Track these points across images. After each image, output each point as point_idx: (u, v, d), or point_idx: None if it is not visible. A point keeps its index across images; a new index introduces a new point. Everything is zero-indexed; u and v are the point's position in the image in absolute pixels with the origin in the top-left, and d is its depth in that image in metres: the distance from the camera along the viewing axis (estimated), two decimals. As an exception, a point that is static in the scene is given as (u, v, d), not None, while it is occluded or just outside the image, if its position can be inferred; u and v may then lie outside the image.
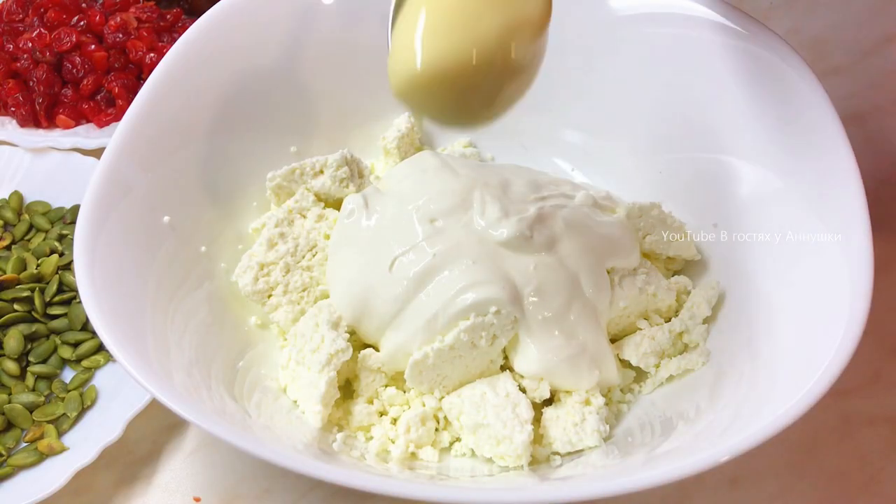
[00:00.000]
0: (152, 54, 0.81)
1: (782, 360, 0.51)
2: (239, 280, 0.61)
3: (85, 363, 0.65)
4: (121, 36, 0.82)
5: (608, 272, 0.59)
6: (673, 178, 0.65)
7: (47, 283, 0.68)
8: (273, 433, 0.53)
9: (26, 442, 0.62)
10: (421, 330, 0.55)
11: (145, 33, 0.83)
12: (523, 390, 0.56)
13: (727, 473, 0.60)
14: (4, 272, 0.69)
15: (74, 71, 0.81)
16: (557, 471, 0.54)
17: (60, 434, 0.62)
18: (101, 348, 0.66)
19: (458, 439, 0.57)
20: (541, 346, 0.55)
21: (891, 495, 0.59)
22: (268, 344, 0.62)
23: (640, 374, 0.60)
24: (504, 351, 0.57)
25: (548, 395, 0.56)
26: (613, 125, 0.68)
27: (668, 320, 0.61)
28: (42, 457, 0.61)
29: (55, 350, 0.66)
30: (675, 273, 0.64)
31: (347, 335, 0.57)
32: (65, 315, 0.67)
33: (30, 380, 0.65)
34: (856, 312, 0.48)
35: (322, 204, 0.65)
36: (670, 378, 0.58)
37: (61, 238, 0.72)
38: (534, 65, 0.47)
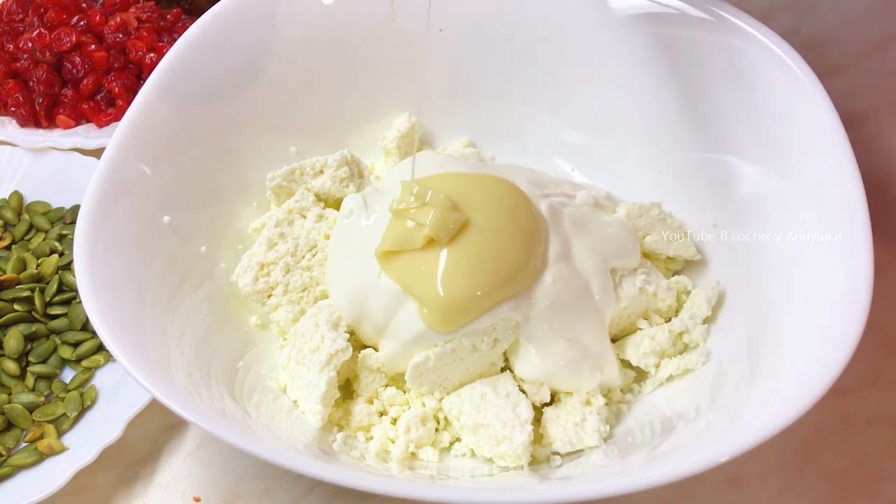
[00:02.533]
0: (152, 54, 0.81)
1: (782, 360, 0.51)
2: (239, 280, 0.61)
3: (85, 363, 0.65)
4: (121, 36, 0.82)
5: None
6: (673, 178, 0.65)
7: (47, 283, 0.68)
8: (273, 433, 0.53)
9: (26, 442, 0.62)
10: (416, 339, 0.55)
11: (145, 33, 0.83)
12: (524, 391, 0.56)
13: (727, 473, 0.60)
14: (4, 272, 0.69)
15: (74, 71, 0.81)
16: (557, 471, 0.54)
17: (60, 434, 0.62)
18: (101, 348, 0.66)
19: (458, 439, 0.57)
20: (542, 351, 0.55)
21: (891, 495, 0.59)
22: (268, 344, 0.62)
23: (640, 374, 0.59)
24: (505, 353, 0.57)
25: (548, 399, 0.56)
26: (613, 125, 0.68)
27: (668, 320, 0.61)
28: (42, 457, 0.61)
29: (55, 350, 0.66)
30: (675, 273, 0.64)
31: (347, 335, 0.57)
32: (65, 315, 0.67)
33: (30, 380, 0.65)
34: (856, 312, 0.48)
35: (322, 204, 0.65)
36: (670, 378, 0.58)
37: (61, 238, 0.72)
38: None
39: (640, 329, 0.60)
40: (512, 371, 0.57)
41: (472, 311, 0.54)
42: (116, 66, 0.82)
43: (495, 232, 0.55)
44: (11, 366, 0.65)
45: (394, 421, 0.57)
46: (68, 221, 0.73)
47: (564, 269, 0.56)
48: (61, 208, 0.75)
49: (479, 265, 0.54)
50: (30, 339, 0.66)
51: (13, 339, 0.66)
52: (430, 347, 0.55)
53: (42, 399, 0.64)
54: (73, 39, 0.81)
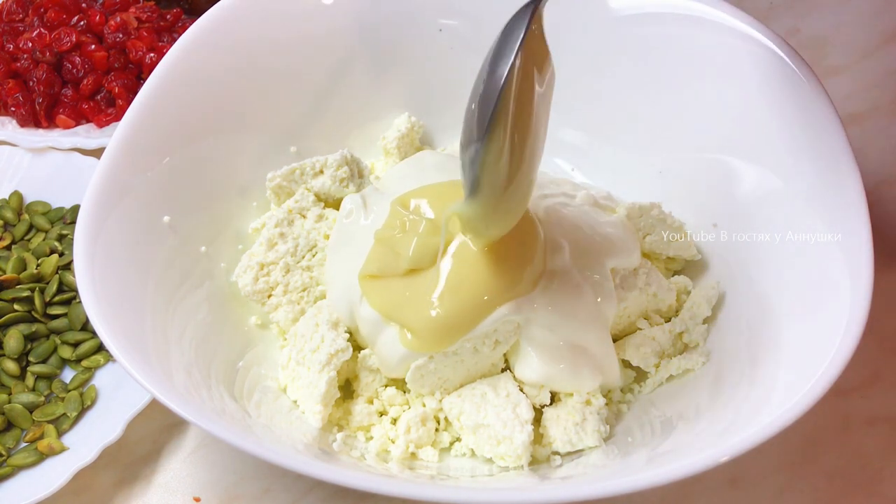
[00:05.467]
0: (152, 54, 0.81)
1: (782, 360, 0.51)
2: (239, 280, 0.61)
3: (85, 363, 0.65)
4: (121, 36, 0.82)
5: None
6: (673, 178, 0.65)
7: (47, 283, 0.68)
8: (273, 433, 0.53)
9: (26, 442, 0.62)
10: (401, 361, 0.55)
11: (145, 33, 0.83)
12: (524, 392, 0.56)
13: (727, 473, 0.60)
14: (4, 272, 0.69)
15: (74, 71, 0.81)
16: (557, 470, 0.54)
17: (60, 434, 0.62)
18: (101, 348, 0.66)
19: (458, 439, 0.57)
20: (542, 354, 0.55)
21: (891, 495, 0.59)
22: (268, 344, 0.62)
23: (640, 374, 0.59)
24: (505, 354, 0.57)
25: (548, 402, 0.56)
26: (613, 125, 0.68)
27: (668, 320, 0.61)
28: (42, 457, 0.61)
29: (55, 350, 0.66)
30: (675, 273, 0.64)
31: (347, 335, 0.57)
32: (65, 315, 0.67)
33: (30, 380, 0.65)
34: (856, 312, 0.48)
35: (322, 204, 0.65)
36: (670, 378, 0.58)
37: (61, 238, 0.72)
38: None
39: (640, 329, 0.59)
40: (512, 371, 0.57)
41: (460, 331, 0.54)
42: (116, 66, 0.82)
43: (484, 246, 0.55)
44: (11, 366, 0.65)
45: (394, 421, 0.57)
46: (68, 221, 0.73)
47: (565, 272, 0.56)
48: (61, 208, 0.75)
49: (465, 284, 0.54)
50: (30, 339, 0.66)
51: (13, 339, 0.65)
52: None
53: (42, 399, 0.64)
54: (73, 39, 0.81)
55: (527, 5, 0.44)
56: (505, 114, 0.45)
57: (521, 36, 0.44)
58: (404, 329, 0.55)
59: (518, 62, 0.44)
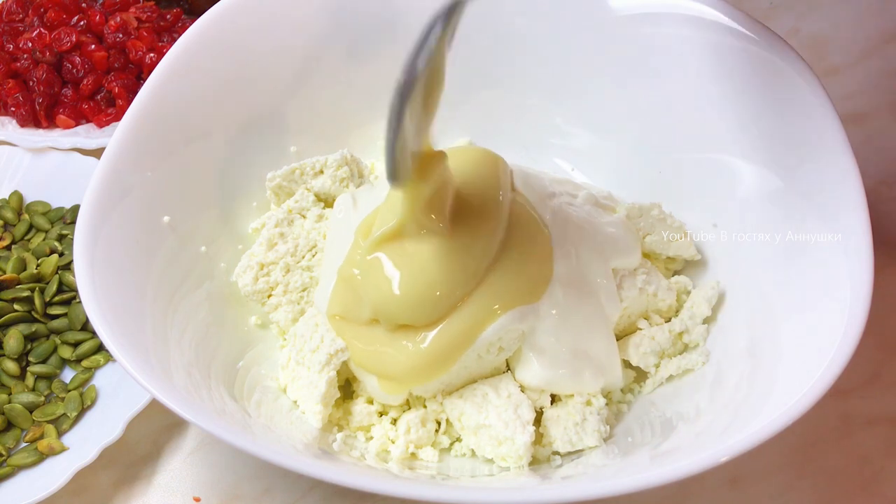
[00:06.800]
0: (152, 54, 0.81)
1: (782, 360, 0.51)
2: (239, 280, 0.61)
3: (85, 363, 0.65)
4: (121, 36, 0.82)
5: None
6: (673, 178, 0.65)
7: (47, 283, 0.68)
8: (273, 433, 0.53)
9: (26, 442, 0.62)
10: (392, 401, 0.55)
11: (145, 33, 0.83)
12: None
13: (727, 473, 0.60)
14: (4, 272, 0.69)
15: (74, 71, 0.81)
16: (558, 471, 0.54)
17: (60, 434, 0.62)
18: (101, 348, 0.66)
19: (459, 439, 0.57)
20: (544, 360, 0.55)
21: (891, 495, 0.59)
22: (268, 344, 0.62)
23: (640, 374, 0.59)
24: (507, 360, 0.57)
25: (549, 405, 0.56)
26: (613, 125, 0.68)
27: (668, 320, 0.61)
28: (42, 457, 0.61)
29: (55, 350, 0.66)
30: (675, 273, 0.64)
31: (347, 335, 0.57)
32: (65, 315, 0.67)
33: (30, 380, 0.65)
34: (856, 312, 0.48)
35: (322, 204, 0.65)
36: (670, 378, 0.58)
37: (61, 238, 0.72)
38: None
39: (640, 329, 0.59)
40: (513, 374, 0.57)
41: (453, 357, 0.53)
42: (116, 66, 0.82)
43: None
44: (11, 366, 0.65)
45: (394, 421, 0.57)
46: (68, 221, 0.73)
47: (571, 277, 0.56)
48: (61, 208, 0.75)
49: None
50: (30, 339, 0.66)
51: (13, 339, 0.66)
52: None
53: (42, 399, 0.64)
54: (73, 39, 0.81)
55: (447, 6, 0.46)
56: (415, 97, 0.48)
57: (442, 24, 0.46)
58: (383, 379, 0.54)
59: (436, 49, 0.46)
